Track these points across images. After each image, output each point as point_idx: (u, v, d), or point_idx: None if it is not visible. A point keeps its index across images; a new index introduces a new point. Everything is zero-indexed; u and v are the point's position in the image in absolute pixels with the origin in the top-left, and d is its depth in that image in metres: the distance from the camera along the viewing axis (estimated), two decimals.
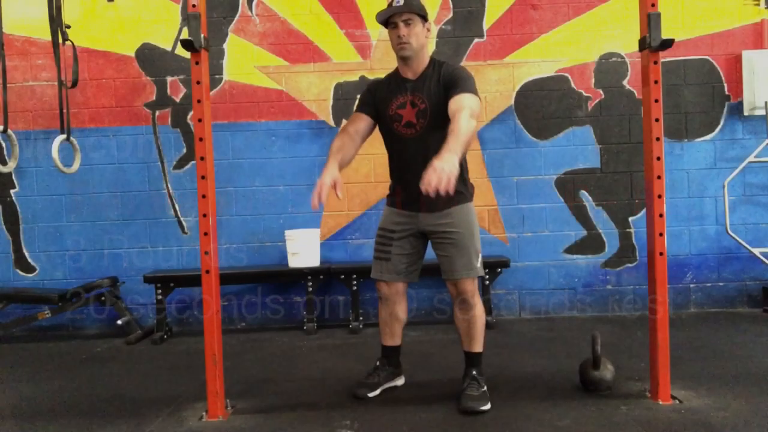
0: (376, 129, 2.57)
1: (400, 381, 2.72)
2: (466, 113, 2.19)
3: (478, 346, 2.50)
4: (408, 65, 2.45)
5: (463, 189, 2.48)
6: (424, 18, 2.42)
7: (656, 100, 2.33)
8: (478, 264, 2.47)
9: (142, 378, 3.00)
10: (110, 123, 4.17)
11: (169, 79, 4.17)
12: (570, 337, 3.55)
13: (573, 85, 4.17)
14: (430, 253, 2.59)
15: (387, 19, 2.41)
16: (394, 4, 2.38)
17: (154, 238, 4.20)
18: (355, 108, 2.61)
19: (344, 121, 4.13)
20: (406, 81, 2.46)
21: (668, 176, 4.08)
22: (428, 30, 2.46)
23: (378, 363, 2.67)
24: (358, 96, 2.64)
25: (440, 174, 1.92)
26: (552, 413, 2.29)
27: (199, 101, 2.32)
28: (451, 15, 4.15)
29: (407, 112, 2.44)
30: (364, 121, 2.51)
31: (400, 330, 2.69)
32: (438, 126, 2.35)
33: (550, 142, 4.17)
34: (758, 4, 4.12)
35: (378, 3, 4.12)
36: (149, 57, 4.17)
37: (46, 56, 4.12)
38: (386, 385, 2.64)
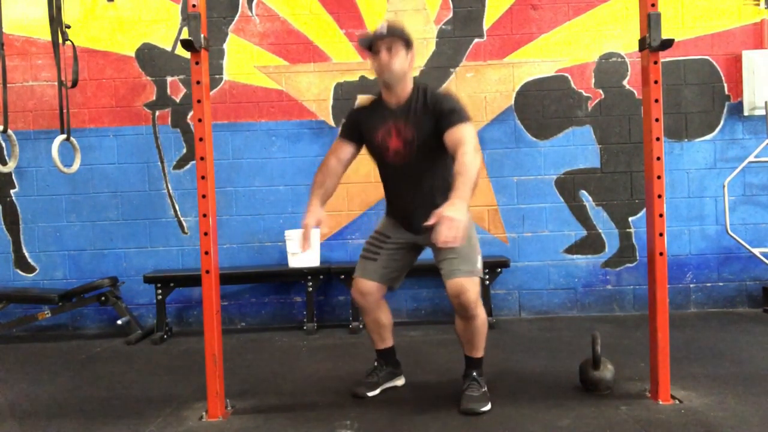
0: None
1: (400, 381, 2.72)
2: (470, 148, 2.15)
3: (479, 353, 2.47)
4: (391, 92, 2.39)
5: None
6: (407, 45, 2.37)
7: (656, 100, 2.32)
8: (479, 265, 2.42)
9: (142, 378, 3.00)
10: (110, 123, 4.18)
11: (169, 79, 4.17)
12: (570, 337, 3.55)
13: (573, 85, 4.17)
14: (427, 255, 2.58)
15: (370, 47, 2.37)
16: (377, 29, 2.34)
17: (154, 238, 4.20)
18: (339, 133, 2.56)
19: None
20: (390, 108, 2.41)
21: (668, 176, 4.08)
22: (412, 58, 2.40)
23: (376, 364, 2.68)
24: (342, 121, 2.60)
25: (451, 225, 1.92)
26: (552, 413, 2.29)
27: (199, 101, 2.32)
28: (451, 15, 4.15)
29: (393, 141, 2.40)
30: (346, 150, 2.50)
31: (388, 333, 2.66)
32: (426, 152, 2.36)
33: (550, 142, 4.17)
34: (758, 4, 4.12)
35: (378, 3, 4.14)
36: (149, 57, 4.17)
37: (46, 56, 4.13)
38: (386, 385, 2.64)
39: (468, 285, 2.31)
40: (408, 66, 2.38)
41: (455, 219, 1.93)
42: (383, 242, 2.56)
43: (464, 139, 2.19)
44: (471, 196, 2.06)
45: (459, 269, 2.35)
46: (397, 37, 2.34)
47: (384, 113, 2.43)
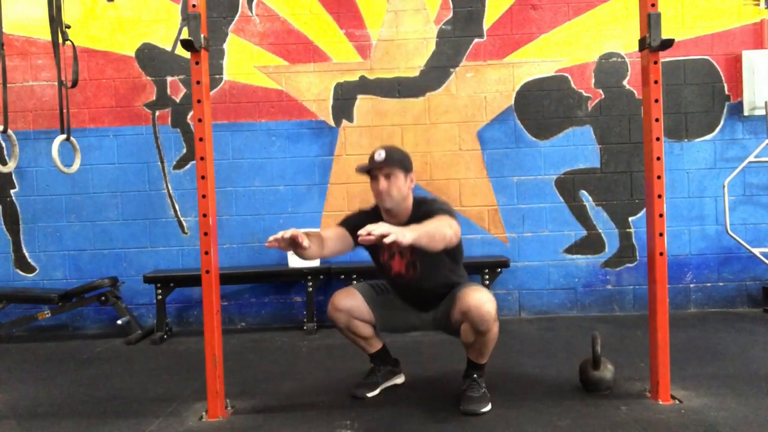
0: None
1: (399, 379, 2.72)
2: (445, 222, 2.17)
3: (484, 360, 2.45)
4: (391, 215, 2.40)
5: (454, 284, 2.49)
6: (406, 169, 2.37)
7: (656, 100, 2.32)
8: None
9: (142, 378, 3.00)
10: (110, 123, 4.18)
11: (169, 79, 4.18)
12: (570, 337, 3.55)
13: (573, 85, 4.17)
14: None
15: (368, 172, 2.37)
16: (375, 157, 2.33)
17: (154, 238, 4.20)
18: (341, 222, 2.53)
19: (344, 121, 4.16)
20: None
21: (668, 176, 4.08)
22: (412, 180, 2.40)
23: (372, 365, 2.67)
24: (348, 215, 2.57)
25: (382, 230, 1.90)
26: (552, 413, 2.29)
27: (199, 101, 2.32)
28: (451, 15, 4.15)
29: (397, 263, 2.44)
30: (339, 237, 2.44)
31: (373, 339, 2.63)
32: (427, 266, 2.39)
33: (550, 142, 4.17)
34: (758, 4, 4.12)
35: (378, 3, 4.13)
36: (149, 57, 4.17)
37: (46, 56, 4.13)
38: (386, 384, 2.64)
39: (486, 297, 2.26)
40: (407, 189, 2.38)
41: (390, 228, 1.93)
42: (389, 291, 2.61)
43: (440, 218, 2.20)
44: (416, 240, 2.00)
45: (471, 287, 2.35)
46: (395, 163, 2.33)
47: None
